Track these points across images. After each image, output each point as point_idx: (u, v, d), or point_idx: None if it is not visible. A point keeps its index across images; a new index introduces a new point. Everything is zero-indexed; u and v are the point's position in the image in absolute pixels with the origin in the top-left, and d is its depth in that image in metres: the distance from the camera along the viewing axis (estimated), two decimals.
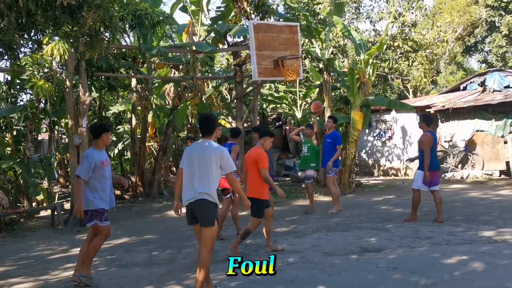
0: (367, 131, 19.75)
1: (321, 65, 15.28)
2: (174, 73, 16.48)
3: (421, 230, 8.24)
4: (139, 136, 15.15)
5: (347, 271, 6.04)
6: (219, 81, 18.44)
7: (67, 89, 11.07)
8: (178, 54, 14.59)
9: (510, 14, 28.02)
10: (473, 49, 32.21)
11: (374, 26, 26.20)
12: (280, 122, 20.68)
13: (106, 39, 10.24)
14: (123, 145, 17.92)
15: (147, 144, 16.30)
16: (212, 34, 14.35)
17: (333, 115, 11.48)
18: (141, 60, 14.19)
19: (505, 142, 16.24)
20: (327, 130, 10.90)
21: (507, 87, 17.38)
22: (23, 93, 14.30)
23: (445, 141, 17.73)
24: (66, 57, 9.78)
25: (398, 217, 9.63)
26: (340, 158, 11.31)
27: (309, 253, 7.13)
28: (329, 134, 10.74)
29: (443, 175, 16.85)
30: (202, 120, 5.37)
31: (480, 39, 31.00)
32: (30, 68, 9.82)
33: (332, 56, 17.56)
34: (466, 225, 8.49)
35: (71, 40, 9.51)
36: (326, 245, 7.59)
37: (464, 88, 19.46)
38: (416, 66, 24.93)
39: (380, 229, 8.57)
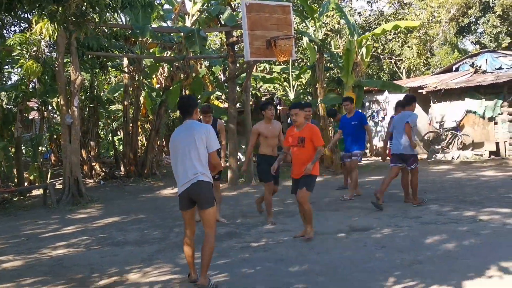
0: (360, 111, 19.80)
1: (315, 46, 15.25)
2: (167, 53, 16.44)
3: (410, 210, 8.36)
4: (132, 116, 15.16)
5: (335, 250, 6.15)
6: (213, 61, 18.37)
7: (58, 69, 11.04)
8: (171, 34, 14.52)
9: None
10: (466, 30, 32.13)
11: (371, 6, 26.13)
12: (274, 103, 20.68)
13: (93, 20, 10.15)
14: (116, 124, 17.93)
15: (139, 124, 16.33)
16: (205, 14, 14.28)
17: (349, 96, 11.03)
18: (133, 40, 14.11)
19: (495, 123, 16.36)
20: (348, 114, 10.22)
21: (499, 68, 17.45)
22: (13, 73, 14.25)
23: (436, 122, 17.85)
24: (55, 37, 9.73)
25: (388, 197, 9.73)
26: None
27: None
28: (352, 116, 10.06)
29: (434, 156, 17.01)
30: (181, 103, 5.27)
31: (474, 19, 30.92)
32: (19, 48, 9.77)
33: (325, 36, 17.52)
34: (453, 205, 8.61)
35: (59, 20, 9.42)
36: (316, 224, 7.64)
37: (457, 69, 19.51)
38: (409, 47, 24.93)
39: (369, 208, 8.67)
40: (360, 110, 11.32)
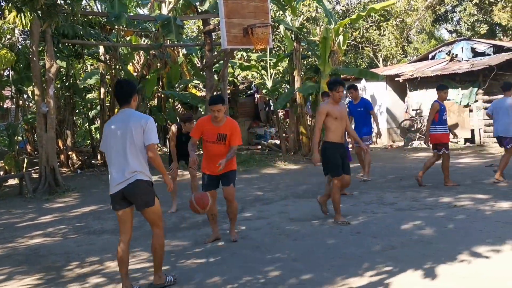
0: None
1: (292, 35, 15.25)
2: (144, 41, 16.29)
3: (386, 197, 8.47)
4: (108, 105, 15.02)
5: (311, 237, 6.22)
6: (190, 49, 18.25)
7: (32, 57, 10.87)
8: (148, 21, 14.39)
9: None
10: (443, 18, 32.44)
11: None
12: (251, 91, 20.68)
13: (66, 10, 9.98)
14: (93, 113, 17.75)
15: (116, 112, 16.18)
16: (181, 1, 14.16)
17: (353, 84, 11.15)
18: (109, 28, 13.94)
19: (471, 111, 16.61)
20: (354, 100, 10.44)
21: (475, 56, 17.69)
22: None
23: (413, 110, 18.04)
24: (29, 26, 9.57)
25: (364, 184, 9.85)
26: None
27: (275, 219, 7.29)
28: (358, 103, 10.34)
29: (410, 143, 17.21)
30: (117, 88, 4.65)
31: (450, 8, 31.22)
32: None
33: (302, 25, 17.53)
34: (429, 191, 8.75)
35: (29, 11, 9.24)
36: (293, 211, 7.76)
37: (433, 57, 19.72)
38: (387, 35, 25.10)
39: (345, 196, 8.77)
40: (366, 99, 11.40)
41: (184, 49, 18.86)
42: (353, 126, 10.29)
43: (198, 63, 20.44)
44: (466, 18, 29.05)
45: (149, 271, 5.19)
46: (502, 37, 27.74)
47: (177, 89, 17.87)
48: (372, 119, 10.50)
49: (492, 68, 15.74)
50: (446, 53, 18.85)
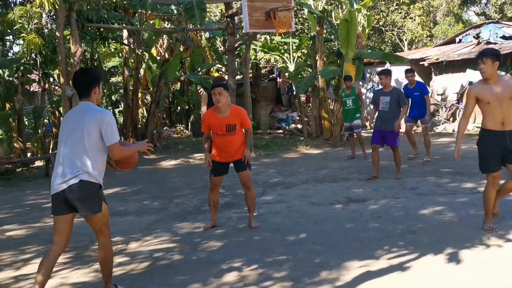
0: (360, 83, 19.74)
1: (315, 17, 15.10)
2: (168, 25, 16.34)
3: (407, 181, 8.43)
4: (132, 88, 15.17)
5: (331, 220, 6.24)
6: (212, 32, 18.25)
7: (59, 41, 11.02)
8: (171, 5, 14.41)
9: None
10: (471, 0, 31.75)
11: None
12: (273, 75, 20.62)
13: None
14: (116, 96, 17.95)
15: (140, 96, 16.35)
16: None
17: (411, 68, 11.12)
18: (132, 11, 14.02)
19: None
20: (409, 84, 10.49)
21: (503, 39, 17.30)
22: (15, 45, 14.20)
23: (438, 94, 17.79)
24: (56, 7, 9.69)
25: (385, 169, 9.79)
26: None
27: (296, 203, 7.33)
28: (414, 87, 10.39)
29: (434, 128, 17.01)
30: (75, 78, 4.07)
31: None
32: (20, 21, 9.73)
33: (325, 7, 17.34)
34: (451, 176, 8.68)
35: None
36: (314, 195, 7.79)
37: (460, 41, 19.36)
38: (412, 18, 24.68)
39: (366, 180, 8.76)
40: (356, 87, 11.53)
41: (207, 33, 18.89)
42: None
43: (220, 47, 20.46)
44: (494, 1, 28.41)
45: (173, 250, 5.29)
46: None
47: (200, 73, 17.93)
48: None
49: None
50: (474, 36, 18.48)
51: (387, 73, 8.97)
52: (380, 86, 9.50)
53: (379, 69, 19.17)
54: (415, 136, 11.17)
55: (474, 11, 33.52)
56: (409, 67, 11.22)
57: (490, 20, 21.44)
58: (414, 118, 10.68)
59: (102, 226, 4.02)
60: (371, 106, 9.66)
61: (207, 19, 17.09)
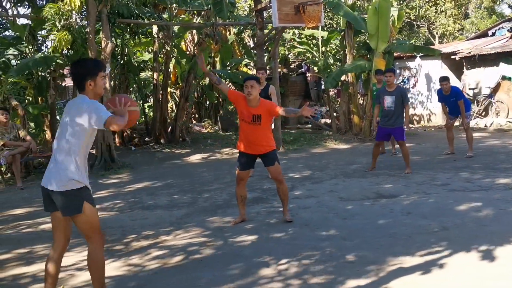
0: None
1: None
2: (197, 19, 16.40)
3: (438, 177, 8.31)
4: (161, 83, 15.31)
5: (360, 216, 6.19)
6: (241, 27, 18.26)
7: (89, 37, 11.18)
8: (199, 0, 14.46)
9: None
10: None
11: None
12: (302, 69, 20.53)
13: None
14: (146, 91, 18.14)
15: (169, 91, 16.48)
16: None
17: (445, 76, 11.12)
18: (162, 6, 14.13)
19: None
20: (444, 91, 10.44)
21: None
22: (47, 40, 14.44)
23: (469, 89, 17.45)
24: (86, 5, 9.83)
25: (416, 164, 9.67)
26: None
27: (325, 198, 7.30)
28: (450, 94, 10.36)
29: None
30: (71, 69, 3.85)
31: None
32: (51, 18, 9.90)
33: (355, 1, 17.17)
34: (484, 172, 8.52)
35: None
36: (343, 190, 7.74)
37: (493, 34, 18.95)
38: (443, 11, 24.26)
39: (397, 175, 8.67)
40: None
41: (236, 28, 18.90)
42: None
43: (249, 42, 20.46)
44: None
45: (206, 244, 5.33)
46: None
47: (229, 68, 17.97)
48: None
49: None
50: (508, 30, 18.05)
51: (394, 71, 9.50)
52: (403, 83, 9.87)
53: (409, 63, 18.95)
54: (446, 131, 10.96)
55: (508, 3, 32.71)
56: (443, 75, 11.03)
57: None
58: (454, 115, 10.64)
59: (87, 229, 3.71)
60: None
61: (235, 14, 17.08)
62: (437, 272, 4.24)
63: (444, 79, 10.46)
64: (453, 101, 10.35)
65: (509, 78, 16.37)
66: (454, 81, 18.00)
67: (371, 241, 5.15)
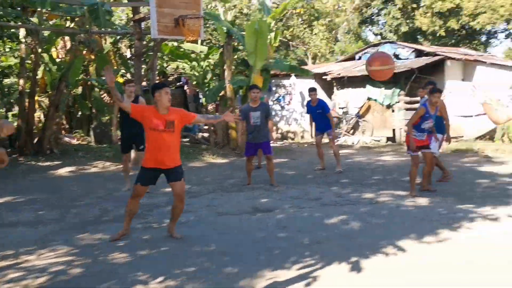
0: (265, 95, 20.07)
1: (224, 27, 15.15)
2: (70, 26, 15.61)
3: (311, 192, 8.61)
4: (28, 91, 14.27)
5: (238, 230, 6.19)
6: (118, 37, 17.71)
7: None
8: (73, 5, 13.77)
9: None
10: (369, 20, 33.58)
11: None
12: (180, 82, 20.40)
13: None
14: (8, 100, 16.83)
15: (36, 99, 15.43)
16: None
17: (313, 87, 11.39)
18: (32, 9, 13.22)
19: (393, 111, 17.27)
20: (312, 102, 11.04)
21: (398, 58, 18.38)
22: None
23: (339, 108, 18.52)
24: None
25: (291, 179, 9.97)
26: None
27: (203, 212, 7.21)
28: (317, 105, 10.97)
29: (336, 140, 17.63)
30: None
31: (376, 11, 32.38)
32: None
33: (235, 18, 17.48)
34: (353, 187, 8.99)
35: None
36: (220, 205, 7.71)
37: (360, 58, 20.31)
38: (317, 34, 25.62)
39: (272, 190, 8.84)
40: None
41: (112, 37, 18.29)
42: (313, 124, 11.17)
43: (125, 52, 19.91)
44: (390, 22, 30.22)
45: (73, 264, 4.96)
46: (422, 41, 29.08)
47: (104, 78, 17.29)
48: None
49: (413, 71, 16.45)
50: None
51: (259, 88, 9.64)
52: (308, 99, 11.03)
53: (284, 81, 19.67)
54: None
55: (372, 31, 35.48)
56: (312, 86, 11.59)
57: (386, 40, 22.73)
58: (321, 131, 11.13)
59: None
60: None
61: (112, 22, 16.52)
62: (311, 285, 4.33)
63: (312, 90, 11.09)
64: (319, 113, 10.87)
65: (375, 100, 17.63)
66: (325, 101, 19.01)
67: (248, 255, 5.15)
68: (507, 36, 31.82)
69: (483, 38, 31.75)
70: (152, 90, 5.66)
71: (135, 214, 6.00)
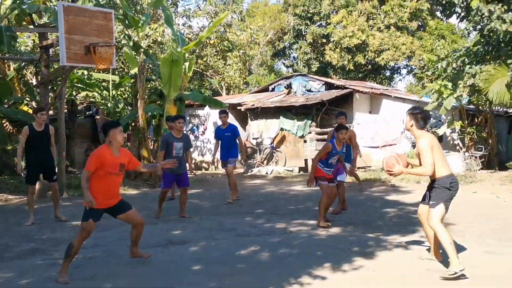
0: None
1: (137, 56, 14.96)
2: None
3: (226, 222, 8.55)
4: None
5: (151, 264, 5.99)
6: (23, 63, 16.90)
7: None
8: None
9: (315, 24, 30.79)
10: (282, 53, 34.62)
11: (190, 21, 26.72)
12: (90, 112, 19.78)
13: None
14: None
15: None
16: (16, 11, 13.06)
17: (224, 109, 11.34)
18: None
19: (305, 141, 17.75)
20: (222, 125, 11.01)
21: (309, 91, 19.03)
22: None
23: (253, 138, 18.75)
24: None
25: (206, 210, 9.87)
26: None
27: (114, 246, 6.93)
28: (226, 128, 10.95)
29: (250, 170, 17.79)
30: None
31: (288, 45, 33.47)
32: None
33: (148, 47, 17.33)
34: (266, 217, 9.04)
35: None
36: None
37: (273, 89, 20.81)
38: (231, 65, 26.00)
39: (187, 221, 8.69)
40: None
41: (16, 63, 17.42)
42: (219, 149, 11.03)
43: (31, 79, 19.04)
44: (301, 56, 31.33)
45: None
46: (332, 75, 30.39)
47: (6, 106, 16.34)
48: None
49: (324, 103, 17.07)
50: (284, 87, 20.03)
51: (184, 118, 9.69)
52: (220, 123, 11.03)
53: (199, 111, 19.68)
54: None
55: (284, 63, 36.57)
56: (223, 109, 11.70)
57: (298, 73, 23.50)
58: (226, 159, 10.93)
59: None
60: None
61: (17, 48, 15.76)
62: None
63: (222, 112, 11.12)
64: (228, 136, 10.76)
65: (288, 130, 18.06)
66: (239, 131, 19.22)
67: None
68: (408, 72, 34.09)
69: (388, 73, 33.73)
70: (105, 128, 5.59)
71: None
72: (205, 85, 30.06)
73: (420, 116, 5.56)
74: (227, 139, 10.86)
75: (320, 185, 8.10)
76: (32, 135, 8.37)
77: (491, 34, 12.95)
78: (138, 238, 5.97)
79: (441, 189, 5.47)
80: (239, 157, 11.45)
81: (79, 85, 16.81)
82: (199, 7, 27.43)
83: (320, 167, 8.06)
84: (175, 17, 26.41)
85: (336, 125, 8.70)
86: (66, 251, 5.36)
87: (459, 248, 6.30)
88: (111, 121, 5.92)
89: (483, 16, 12.68)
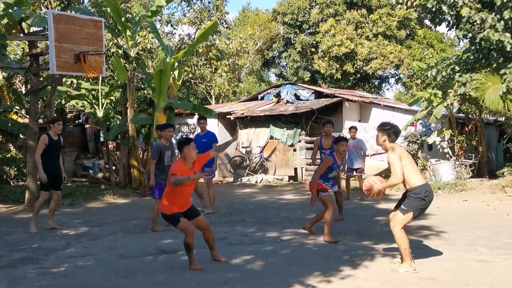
0: None
1: (127, 65, 14.94)
2: None
3: (217, 231, 8.46)
4: None
5: (142, 273, 5.97)
6: (12, 72, 16.80)
7: None
8: None
9: (304, 33, 31.00)
10: (271, 62, 34.76)
11: (175, 29, 26.81)
12: (80, 120, 19.70)
13: None
14: None
15: None
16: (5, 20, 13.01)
17: (203, 115, 11.29)
18: None
19: (294, 150, 17.79)
20: (201, 131, 10.90)
21: (299, 99, 19.11)
22: None
23: (242, 147, 18.75)
24: None
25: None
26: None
27: (104, 255, 6.89)
28: (204, 134, 10.80)
29: (239, 179, 17.77)
30: None
31: (277, 53, 33.62)
32: None
33: (138, 56, 17.31)
34: (257, 226, 9.03)
35: None
36: (123, 247, 7.42)
37: (262, 98, 20.86)
38: (219, 73, 26.04)
39: (177, 230, 8.61)
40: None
41: (6, 72, 17.33)
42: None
43: (20, 88, 18.95)
44: (290, 64, 31.47)
45: None
46: (321, 83, 30.55)
47: None
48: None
49: (314, 111, 17.14)
50: (274, 95, 20.09)
51: (173, 127, 9.87)
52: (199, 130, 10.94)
53: (188, 120, 19.67)
54: (221, 186, 11.46)
55: (274, 72, 36.72)
56: (201, 115, 11.61)
57: (287, 82, 23.61)
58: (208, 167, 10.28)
59: None
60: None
61: (6, 57, 15.68)
62: None
63: (201, 118, 11.12)
64: (204, 142, 10.18)
65: (278, 139, 18.09)
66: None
67: None
68: (397, 81, 34.36)
69: (376, 82, 33.96)
70: (180, 146, 6.11)
71: None
72: (193, 93, 30.06)
73: (392, 131, 5.90)
74: (204, 146, 9.94)
75: (321, 198, 7.67)
76: (49, 143, 8.62)
77: (483, 43, 12.94)
78: (211, 242, 6.41)
79: (416, 199, 5.74)
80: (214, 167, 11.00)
81: (68, 95, 16.75)
82: (184, 14, 27.46)
83: (320, 182, 7.72)
84: (160, 25, 26.46)
85: (323, 133, 8.72)
86: (185, 250, 6.09)
87: (452, 257, 6.37)
88: (185, 139, 6.25)
89: (475, 24, 12.72)
